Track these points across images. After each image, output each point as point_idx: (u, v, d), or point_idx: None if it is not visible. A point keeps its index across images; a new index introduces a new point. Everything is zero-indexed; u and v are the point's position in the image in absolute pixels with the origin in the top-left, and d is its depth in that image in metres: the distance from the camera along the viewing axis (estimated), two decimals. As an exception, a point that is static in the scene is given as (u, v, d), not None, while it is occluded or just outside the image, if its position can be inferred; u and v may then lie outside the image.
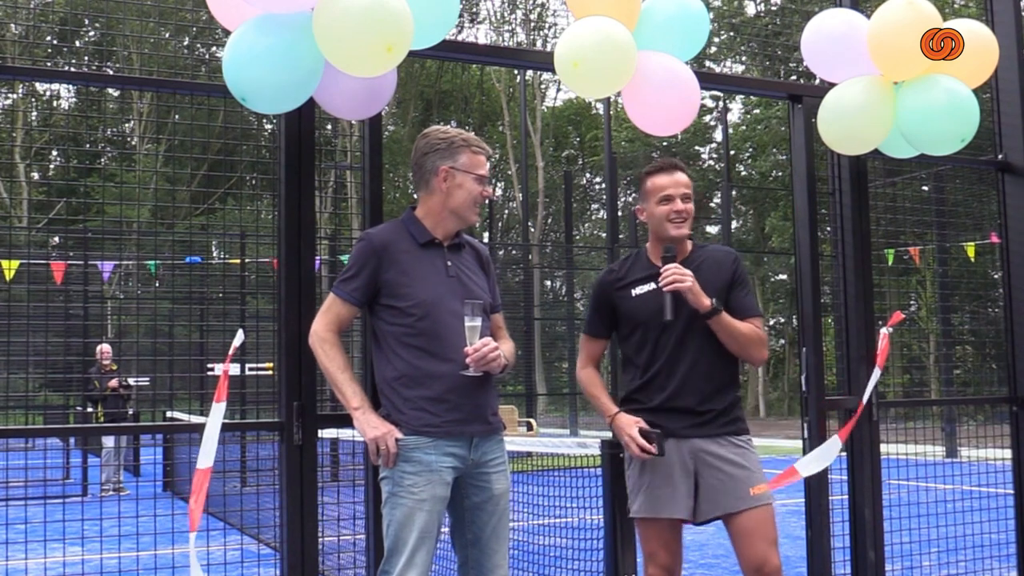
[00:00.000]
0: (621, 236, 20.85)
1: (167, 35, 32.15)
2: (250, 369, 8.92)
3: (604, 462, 3.81)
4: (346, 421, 3.25)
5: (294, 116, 3.44)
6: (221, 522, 7.72)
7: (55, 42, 31.53)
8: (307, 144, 3.49)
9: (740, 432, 3.47)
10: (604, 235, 28.52)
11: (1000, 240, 5.15)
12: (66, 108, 33.91)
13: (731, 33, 36.40)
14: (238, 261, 11.69)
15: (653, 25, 3.62)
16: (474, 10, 39.82)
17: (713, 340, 3.44)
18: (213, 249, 15.71)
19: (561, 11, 38.71)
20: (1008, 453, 5.04)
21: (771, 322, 37.76)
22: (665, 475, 3.39)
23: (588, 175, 42.99)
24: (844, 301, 4.53)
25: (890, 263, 9.03)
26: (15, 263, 9.89)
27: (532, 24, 39.51)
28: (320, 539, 3.57)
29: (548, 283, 39.02)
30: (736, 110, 38.04)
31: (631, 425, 3.40)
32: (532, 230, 32.81)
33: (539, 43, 38.13)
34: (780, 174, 33.85)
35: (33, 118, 33.71)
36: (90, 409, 12.31)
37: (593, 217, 43.87)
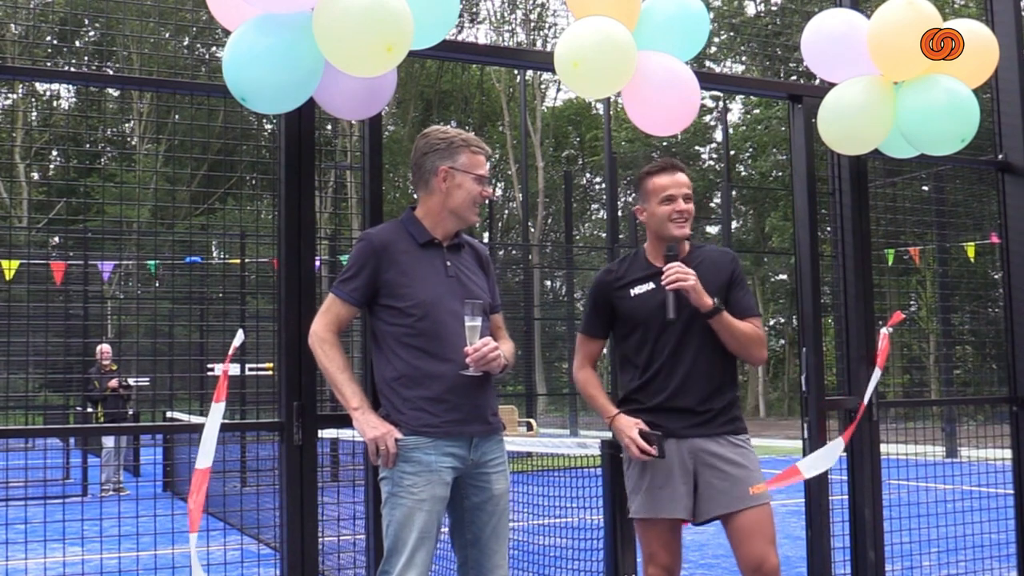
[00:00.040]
0: (621, 236, 20.86)
1: (167, 35, 32.14)
2: (250, 369, 8.92)
3: (604, 462, 3.80)
4: (346, 421, 3.25)
5: (294, 116, 3.44)
6: (221, 522, 7.72)
7: (55, 42, 31.52)
8: (307, 144, 3.49)
9: (739, 431, 3.48)
10: (604, 235, 28.52)
11: (1000, 240, 5.15)
12: (66, 108, 33.92)
13: (731, 33, 36.41)
14: (238, 261, 11.69)
15: (653, 25, 3.62)
16: (474, 10, 39.83)
17: (712, 339, 3.45)
18: (213, 249, 15.71)
19: (561, 11, 38.73)
20: (1008, 453, 5.04)
21: (771, 322, 37.76)
22: (665, 475, 3.39)
23: (588, 175, 42.99)
24: (844, 301, 4.53)
25: (890, 263, 9.03)
26: (15, 263, 9.89)
27: (532, 24, 39.51)
28: (320, 539, 3.57)
29: (548, 283, 39.02)
30: (736, 110, 38.05)
31: (631, 427, 3.39)
32: (532, 230, 32.82)
33: (539, 43, 38.13)
34: (780, 174, 33.85)
35: (33, 118, 33.71)
36: (90, 409, 12.31)
37: (593, 217, 43.87)
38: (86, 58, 27.39)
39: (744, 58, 36.66)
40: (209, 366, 10.15)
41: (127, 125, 35.50)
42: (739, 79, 16.15)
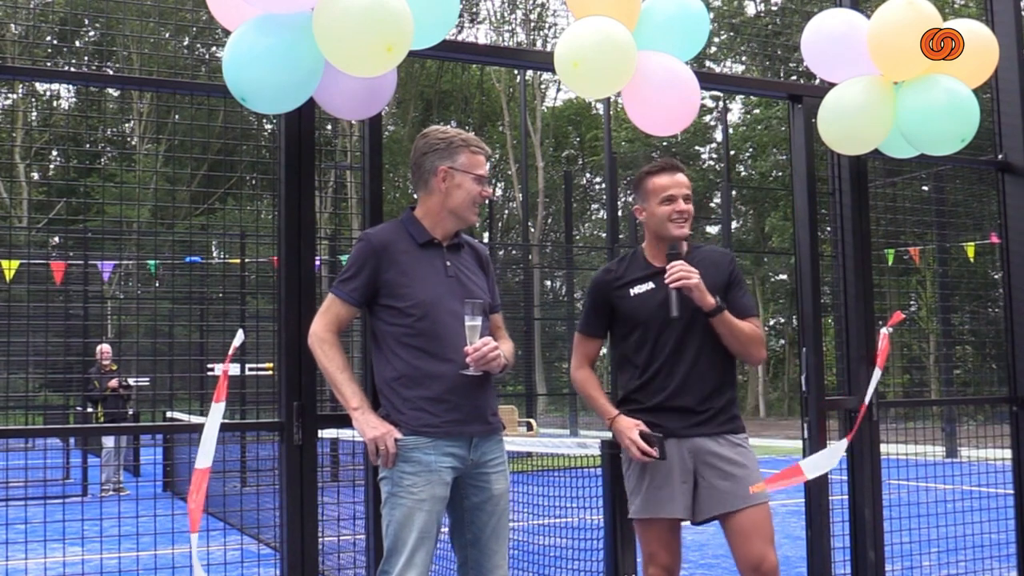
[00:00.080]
0: (621, 236, 20.86)
1: (167, 35, 32.15)
2: (250, 369, 8.92)
3: (604, 462, 3.80)
4: (346, 421, 3.25)
5: (294, 116, 3.44)
6: (221, 522, 7.72)
7: (55, 42, 31.52)
8: (307, 144, 3.49)
9: (737, 431, 3.48)
10: (604, 235, 28.53)
11: (1000, 240, 5.15)
12: (66, 108, 33.92)
13: (731, 33, 36.41)
14: (238, 261, 11.69)
15: (653, 25, 3.62)
16: (474, 10, 39.83)
17: (712, 339, 3.45)
18: (213, 249, 15.71)
19: (561, 11, 38.73)
20: (1008, 453, 5.04)
21: (771, 322, 37.76)
22: (665, 475, 3.39)
23: (588, 175, 42.99)
24: (844, 301, 4.53)
25: (890, 263, 9.03)
26: (15, 263, 9.90)
27: (532, 24, 39.51)
28: (320, 539, 3.57)
29: (548, 283, 39.02)
30: (736, 110, 38.05)
31: (632, 428, 3.39)
32: (532, 230, 32.82)
33: (539, 43, 38.13)
34: (780, 174, 33.85)
35: (33, 118, 33.71)
36: (90, 409, 12.31)
37: (593, 217, 43.87)
38: (86, 58, 27.39)
39: (744, 58, 36.67)
40: (209, 366, 10.15)
41: (127, 125, 35.51)
42: (739, 79, 16.15)
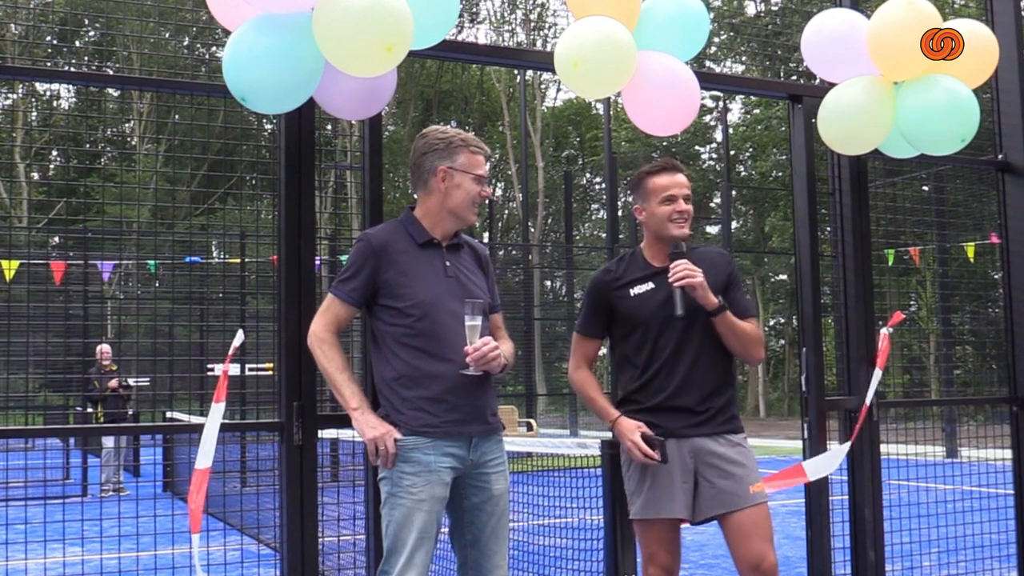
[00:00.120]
0: (621, 236, 20.86)
1: (167, 35, 32.15)
2: (250, 369, 8.92)
3: (604, 462, 3.80)
4: (346, 421, 3.25)
5: (294, 116, 3.44)
6: (221, 522, 7.72)
7: (55, 42, 31.52)
8: (307, 144, 3.49)
9: (736, 430, 3.48)
10: (604, 235, 28.53)
11: (1000, 240, 5.15)
12: (66, 108, 33.92)
13: (731, 33, 36.40)
14: (238, 261, 11.69)
15: (653, 25, 3.62)
16: (474, 10, 39.83)
17: (712, 339, 3.45)
18: (213, 249, 15.71)
19: (561, 11, 38.73)
20: (1008, 453, 5.04)
21: (771, 322, 37.76)
22: (666, 476, 3.38)
23: (588, 175, 42.99)
24: (844, 301, 4.53)
25: (890, 263, 9.03)
26: (15, 263, 9.90)
27: (532, 24, 39.51)
28: (320, 539, 3.57)
29: (548, 283, 39.03)
30: (736, 110, 38.04)
31: (633, 430, 3.39)
32: (532, 230, 32.82)
33: (539, 43, 38.12)
34: (780, 174, 33.85)
35: (33, 118, 33.71)
36: (90, 409, 12.31)
37: (593, 217, 43.87)
38: (86, 58, 27.39)
39: (744, 58, 36.66)
40: (209, 366, 10.15)
41: (127, 125, 35.51)
42: (739, 79, 16.15)
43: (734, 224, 33.39)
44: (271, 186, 3.71)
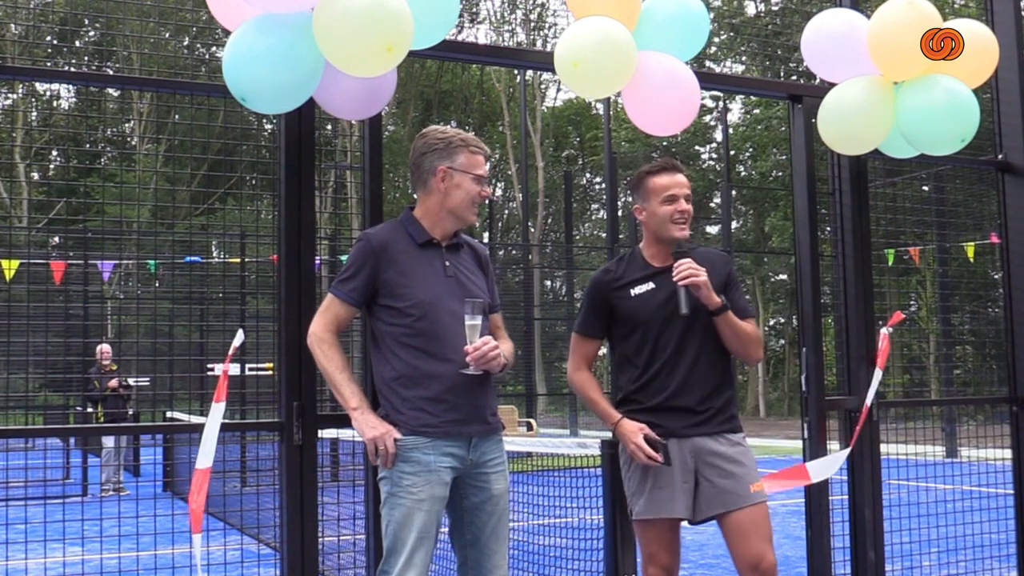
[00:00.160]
0: (621, 236, 20.85)
1: (167, 35, 32.15)
2: (250, 369, 8.92)
3: (604, 462, 3.80)
4: (346, 421, 3.25)
5: (294, 116, 3.44)
6: (221, 522, 7.72)
7: (55, 42, 31.52)
8: (307, 144, 3.50)
9: (736, 430, 3.49)
10: (604, 235, 28.53)
11: (1000, 240, 5.15)
12: (66, 108, 33.93)
13: (731, 33, 36.40)
14: (238, 261, 11.69)
15: (653, 25, 3.62)
16: (474, 10, 39.83)
17: (712, 338, 3.45)
18: (213, 249, 15.71)
19: (561, 11, 38.73)
20: (1008, 453, 5.04)
21: (771, 322, 37.76)
22: (667, 476, 3.38)
23: (588, 175, 42.99)
24: (844, 301, 4.53)
25: (890, 263, 9.04)
26: (15, 263, 9.89)
27: (532, 24, 39.51)
28: (320, 539, 3.57)
29: (548, 283, 39.03)
30: (736, 110, 38.04)
31: (636, 433, 3.38)
32: (532, 230, 32.82)
33: (539, 43, 38.12)
34: (780, 174, 33.85)
35: (33, 118, 33.71)
36: (90, 409, 12.31)
37: (593, 217, 43.87)
38: (86, 58, 27.39)
39: (744, 58, 36.66)
40: (209, 366, 10.14)
41: (127, 125, 35.51)
42: (739, 79, 16.15)
43: (734, 224, 33.38)
44: (271, 186, 3.71)
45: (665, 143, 35.49)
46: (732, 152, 33.48)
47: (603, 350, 3.90)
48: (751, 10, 37.21)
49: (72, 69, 4.87)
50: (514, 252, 32.66)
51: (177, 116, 14.94)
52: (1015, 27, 5.07)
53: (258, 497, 7.42)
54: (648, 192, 3.51)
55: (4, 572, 5.63)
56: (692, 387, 3.43)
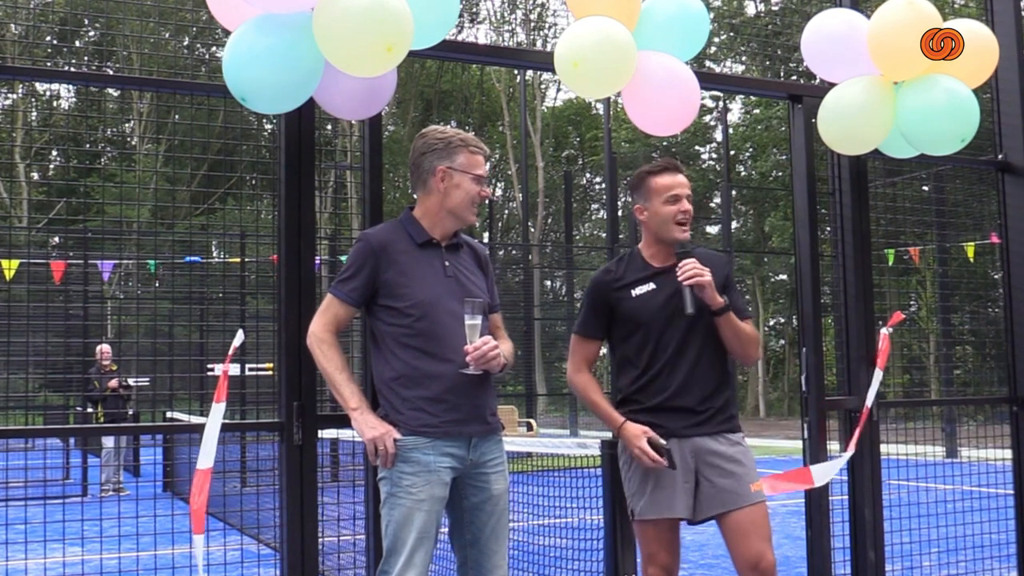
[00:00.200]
0: (621, 236, 20.85)
1: (167, 35, 32.16)
2: (250, 369, 8.91)
3: (604, 462, 3.80)
4: (346, 421, 3.25)
5: (294, 116, 3.44)
6: (221, 522, 7.72)
7: (55, 42, 31.52)
8: (307, 144, 3.50)
9: (735, 429, 3.49)
10: (604, 235, 28.52)
11: (1000, 240, 5.15)
12: (66, 108, 33.92)
13: (731, 33, 36.40)
14: (238, 261, 11.69)
15: (653, 25, 3.62)
16: (474, 10, 39.83)
17: (712, 339, 3.45)
18: (213, 249, 15.71)
19: (561, 11, 38.73)
20: (1008, 453, 5.04)
21: (771, 322, 37.76)
22: (668, 476, 3.38)
23: (588, 175, 43.00)
24: (844, 301, 4.53)
25: (890, 263, 9.04)
26: (15, 263, 9.89)
27: (532, 24, 39.51)
28: (320, 539, 3.57)
29: (548, 283, 39.03)
30: (736, 110, 38.04)
31: (640, 437, 3.37)
32: (532, 230, 32.82)
33: (539, 43, 38.12)
34: (780, 174, 33.85)
35: (33, 118, 33.71)
36: (90, 409, 12.31)
37: (593, 217, 43.87)
38: (86, 58, 27.39)
39: (744, 58, 36.66)
40: (209, 366, 10.14)
41: (127, 125, 35.51)
42: (739, 79, 16.14)
43: (734, 224, 33.38)
44: (271, 186, 3.71)
45: (665, 143, 35.49)
46: (732, 152, 33.49)
47: (603, 351, 3.89)
48: (751, 10, 37.22)
49: (72, 69, 4.87)
50: (514, 252, 32.67)
51: (177, 116, 14.95)
52: (1015, 27, 5.07)
53: (258, 497, 7.42)
54: (650, 192, 3.50)
55: (4, 572, 5.63)
56: (693, 387, 3.43)
